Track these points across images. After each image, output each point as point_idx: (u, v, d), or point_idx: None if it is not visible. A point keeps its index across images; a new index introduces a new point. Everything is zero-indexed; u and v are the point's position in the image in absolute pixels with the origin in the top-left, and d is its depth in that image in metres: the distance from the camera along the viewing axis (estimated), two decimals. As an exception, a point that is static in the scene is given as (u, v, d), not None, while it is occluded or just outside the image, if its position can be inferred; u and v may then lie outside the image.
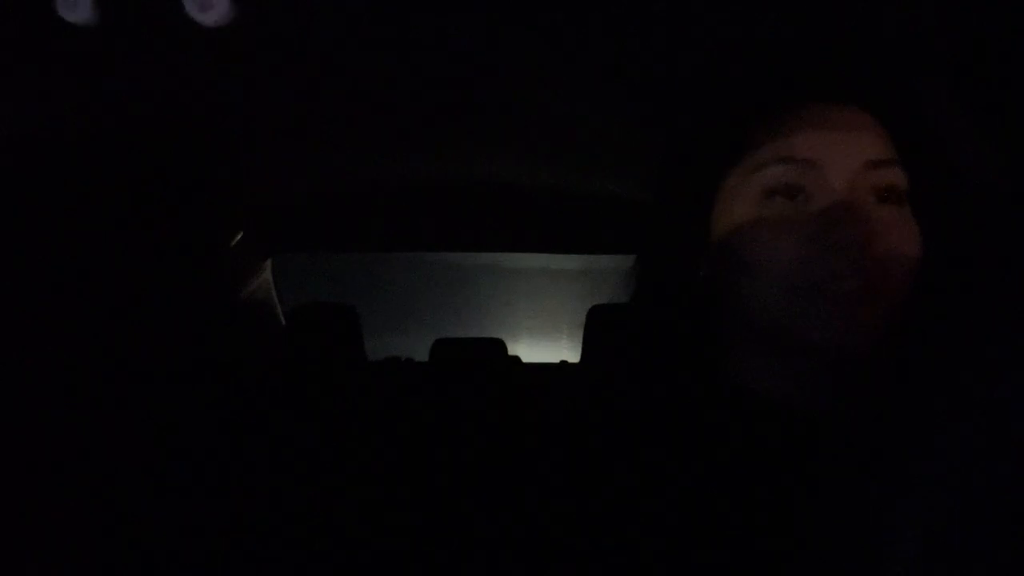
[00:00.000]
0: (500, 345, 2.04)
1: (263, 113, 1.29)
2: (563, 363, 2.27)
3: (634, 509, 0.50)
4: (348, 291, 2.41)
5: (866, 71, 0.54)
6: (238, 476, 1.49)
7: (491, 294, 3.26)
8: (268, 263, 2.07)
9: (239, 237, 1.79)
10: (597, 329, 1.88)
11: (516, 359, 2.11)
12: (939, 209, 0.50)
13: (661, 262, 0.59)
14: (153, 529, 1.22)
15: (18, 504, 1.08)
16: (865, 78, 0.54)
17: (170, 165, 1.43)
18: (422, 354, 2.09)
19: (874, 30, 0.68)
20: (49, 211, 1.23)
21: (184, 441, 1.41)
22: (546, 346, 2.97)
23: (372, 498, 1.62)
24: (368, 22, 0.90)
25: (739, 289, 0.52)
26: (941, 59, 0.64)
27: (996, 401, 0.24)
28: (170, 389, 1.43)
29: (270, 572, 1.46)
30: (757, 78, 0.55)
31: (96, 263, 1.32)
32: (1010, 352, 0.24)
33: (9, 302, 1.16)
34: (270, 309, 2.12)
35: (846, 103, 0.52)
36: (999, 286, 0.25)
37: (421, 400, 1.93)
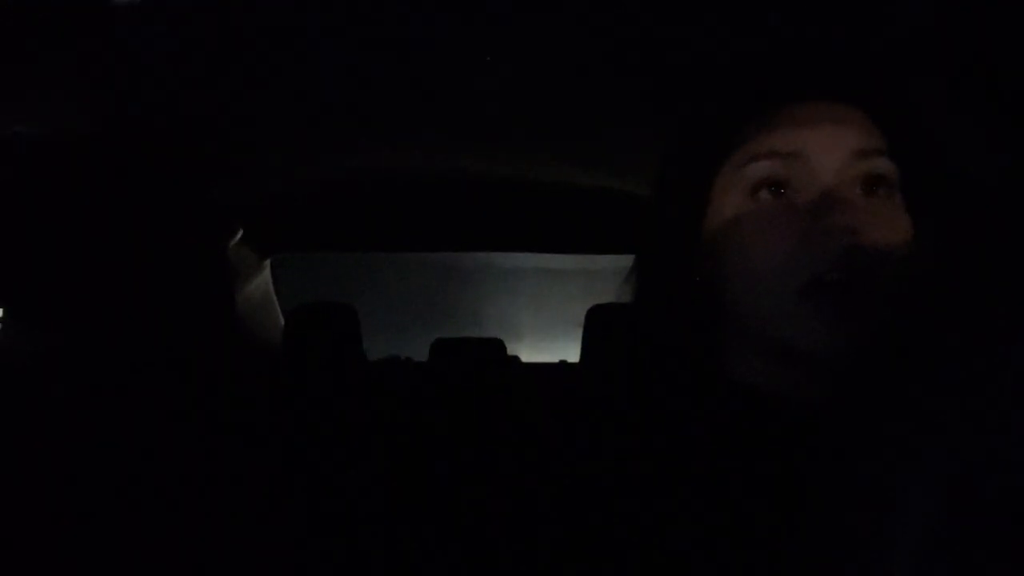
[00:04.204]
0: (499, 345, 2.04)
1: (261, 112, 1.29)
2: (562, 363, 2.27)
3: (635, 507, 0.50)
4: (348, 291, 2.41)
5: (853, 67, 0.54)
6: (237, 476, 1.48)
7: (491, 294, 3.26)
8: (267, 263, 2.07)
9: (238, 237, 1.79)
10: (596, 329, 1.88)
11: (515, 359, 2.11)
12: (936, 203, 0.50)
13: (658, 261, 0.59)
14: (150, 529, 1.22)
15: (13, 503, 1.08)
16: (852, 74, 0.54)
17: (168, 165, 1.43)
18: (422, 354, 2.09)
19: (865, 28, 0.68)
20: (45, 211, 1.23)
21: (182, 441, 1.41)
22: (545, 346, 2.97)
23: (371, 498, 1.62)
24: (366, 20, 0.89)
25: (730, 289, 0.52)
26: (940, 57, 0.64)
27: (997, 398, 0.24)
28: (168, 389, 1.43)
29: (269, 572, 1.45)
30: (745, 76, 0.55)
31: (93, 263, 1.32)
32: (1011, 348, 0.24)
33: (6, 302, 1.16)
34: (269, 309, 2.12)
35: (833, 99, 0.52)
36: (1000, 282, 0.25)
37: (421, 400, 1.93)
